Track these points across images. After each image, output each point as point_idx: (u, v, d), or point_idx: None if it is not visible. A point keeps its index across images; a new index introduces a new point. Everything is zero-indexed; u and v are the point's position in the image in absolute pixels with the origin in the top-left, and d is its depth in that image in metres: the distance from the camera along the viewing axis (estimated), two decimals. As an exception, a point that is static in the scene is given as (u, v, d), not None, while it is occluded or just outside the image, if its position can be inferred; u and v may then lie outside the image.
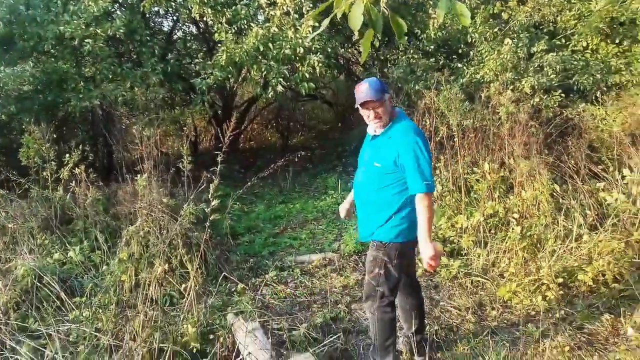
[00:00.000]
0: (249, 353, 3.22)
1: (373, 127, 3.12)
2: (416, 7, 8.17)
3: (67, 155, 5.69)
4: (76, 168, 5.52)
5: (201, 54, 8.11)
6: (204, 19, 7.64)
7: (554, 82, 6.02)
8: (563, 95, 5.96)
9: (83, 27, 6.69)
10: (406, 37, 7.25)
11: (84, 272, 4.69)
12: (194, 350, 3.34)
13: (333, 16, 1.95)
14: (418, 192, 2.88)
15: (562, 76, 6.15)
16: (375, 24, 1.83)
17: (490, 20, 7.17)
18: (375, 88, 2.96)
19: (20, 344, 3.49)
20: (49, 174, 5.52)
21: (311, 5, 7.00)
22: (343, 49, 9.22)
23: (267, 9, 7.22)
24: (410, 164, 2.89)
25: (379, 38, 8.90)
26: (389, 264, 3.05)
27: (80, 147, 6.15)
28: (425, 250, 2.89)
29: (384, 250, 3.07)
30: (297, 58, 7.11)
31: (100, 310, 3.87)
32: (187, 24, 10.11)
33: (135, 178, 5.22)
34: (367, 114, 3.05)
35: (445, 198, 5.61)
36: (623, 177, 4.81)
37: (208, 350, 3.38)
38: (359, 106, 3.04)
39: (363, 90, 2.99)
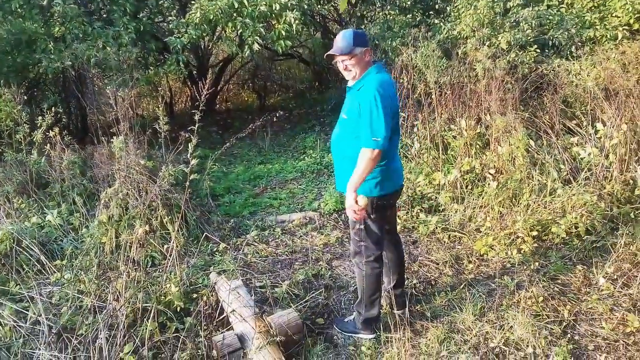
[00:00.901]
0: (233, 310, 3.28)
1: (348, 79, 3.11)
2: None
3: (40, 117, 5.57)
4: (50, 131, 5.41)
5: (174, 11, 7.91)
6: (176, -25, 7.42)
7: (529, 38, 6.03)
8: (538, 50, 5.99)
9: (51, -15, 6.45)
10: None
11: (63, 235, 4.67)
12: (178, 309, 3.39)
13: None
14: (363, 146, 2.86)
15: (538, 31, 6.15)
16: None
17: (468, -26, 7.10)
18: (347, 40, 2.93)
19: (2, 307, 3.49)
20: (22, 137, 5.41)
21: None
22: (320, 6, 9.06)
23: (241, -36, 7.02)
24: (364, 118, 2.87)
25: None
26: (367, 218, 3.09)
27: (53, 109, 6.02)
28: (347, 199, 2.95)
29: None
30: (273, 15, 6.98)
31: (82, 273, 3.88)
32: (158, -20, 9.80)
33: (111, 140, 5.15)
34: (339, 66, 3.05)
35: (423, 155, 5.67)
36: (596, 132, 4.91)
37: (192, 309, 3.43)
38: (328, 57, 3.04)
39: (336, 41, 2.99)
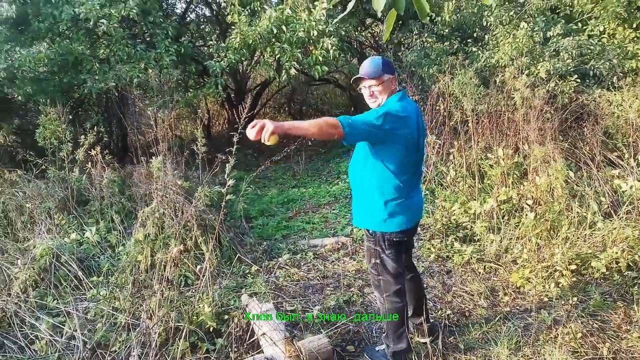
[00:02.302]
0: (263, 333, 3.27)
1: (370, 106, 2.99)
2: (431, -10, 8.10)
3: (83, 136, 5.75)
4: (92, 150, 5.58)
5: (214, 36, 8.13)
6: (218, 0, 7.62)
7: (569, 67, 5.96)
8: (579, 80, 5.90)
9: (97, 7, 6.70)
10: (428, 17, 7.19)
11: (101, 252, 4.77)
12: (210, 329, 3.40)
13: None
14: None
15: (578, 61, 6.08)
16: (398, 4, 1.83)
17: (506, 3, 7.09)
18: (376, 66, 2.85)
19: (39, 321, 3.56)
20: (65, 155, 5.60)
21: (325, -12, 6.96)
22: (357, 32, 9.17)
23: (281, -9, 7.20)
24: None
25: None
26: (382, 254, 3.01)
27: (95, 128, 6.22)
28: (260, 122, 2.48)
29: (374, 240, 3.02)
30: (311, 41, 7.09)
31: (117, 290, 3.94)
32: (200, 5, 10.11)
33: (150, 160, 5.27)
34: (364, 92, 2.94)
35: (458, 184, 5.61)
36: (638, 164, 4.78)
37: (223, 330, 3.44)
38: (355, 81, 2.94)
39: (364, 66, 2.91)
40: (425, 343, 3.32)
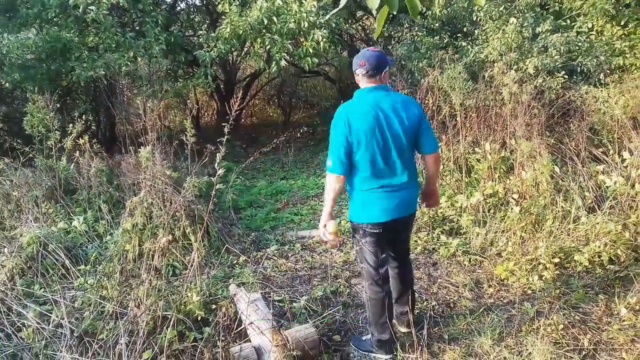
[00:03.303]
0: (251, 323, 3.30)
1: None
2: (422, -16, 8.12)
3: (71, 125, 5.71)
4: (80, 138, 5.55)
5: (204, 26, 8.08)
6: (208, -10, 7.59)
7: (557, 63, 6.01)
8: (566, 76, 5.96)
9: (87, -5, 6.65)
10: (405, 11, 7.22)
11: (88, 241, 4.76)
12: (198, 318, 3.42)
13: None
14: None
15: (566, 57, 6.13)
16: (391, 2, 1.85)
17: (496, -1, 7.13)
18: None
19: (26, 309, 3.56)
20: (52, 144, 5.56)
21: (317, -20, 6.96)
22: (347, 25, 9.17)
23: (272, -18, 7.17)
24: None
25: (384, 14, 8.81)
26: (360, 243, 3.12)
27: (84, 117, 6.17)
28: (320, 226, 3.07)
29: (353, 229, 3.18)
30: (302, 33, 7.09)
31: (105, 278, 3.94)
32: (190, -5, 10.05)
33: (138, 150, 5.26)
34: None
35: (446, 177, 5.66)
36: (623, 161, 4.85)
37: (210, 320, 3.46)
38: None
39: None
40: (409, 333, 3.36)
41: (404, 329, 3.49)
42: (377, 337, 3.26)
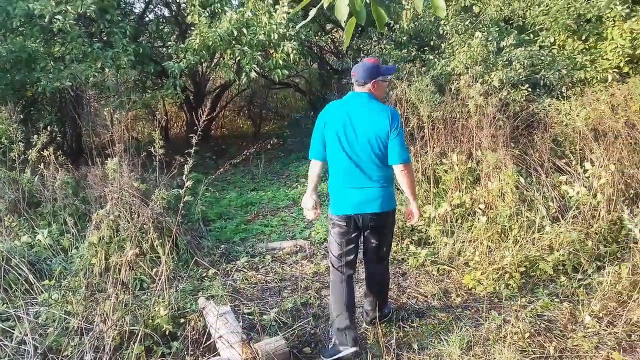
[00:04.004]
0: (220, 336, 3.27)
1: None
2: (390, -2, 8.25)
3: (35, 136, 5.60)
4: (44, 150, 5.44)
5: (173, 37, 8.03)
6: (177, 0, 7.55)
7: (521, 77, 6.17)
8: (530, 89, 6.12)
9: (53, 4, 6.54)
10: (387, 25, 7.32)
11: (53, 255, 4.66)
12: (166, 332, 3.38)
13: (308, 4, 2.00)
14: None
15: (530, 71, 6.31)
16: (359, 14, 1.88)
17: (462, 13, 7.29)
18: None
19: (-13, 326, 3.46)
20: (16, 155, 5.43)
21: (287, -9, 7.00)
22: (317, 37, 9.24)
23: (241, -6, 7.19)
24: None
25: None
26: (329, 230, 3.49)
27: (49, 128, 6.06)
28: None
29: (329, 219, 3.52)
30: (271, 44, 7.11)
31: (70, 293, 3.86)
32: (159, 5, 9.99)
33: (105, 161, 5.18)
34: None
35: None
36: (585, 171, 5.00)
37: (179, 334, 3.42)
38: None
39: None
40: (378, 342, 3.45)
41: (365, 325, 3.73)
42: (336, 324, 3.37)
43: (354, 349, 3.31)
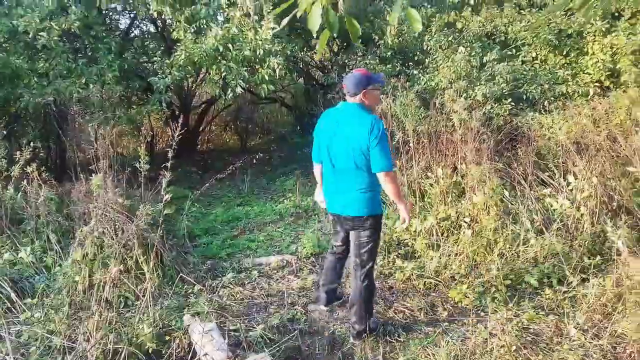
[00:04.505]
0: (205, 354, 3.24)
1: None
2: (374, 14, 8.33)
3: (18, 152, 5.54)
4: (28, 166, 5.39)
5: (159, 52, 8.03)
6: (163, 16, 7.57)
7: (504, 91, 6.26)
8: (513, 103, 6.20)
9: (37, 20, 6.52)
10: (360, 40, 7.39)
11: (36, 273, 4.59)
12: (150, 351, 3.34)
13: (292, 19, 2.03)
14: None
15: (512, 85, 6.39)
16: (332, 25, 1.91)
17: (445, 29, 7.40)
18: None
19: (-33, 347, 3.40)
20: (-1, 172, 5.37)
21: (271, 7, 7.05)
22: (303, 53, 9.30)
23: (227, 10, 7.21)
24: None
25: (338, 43, 9.02)
26: None
27: (32, 144, 6.00)
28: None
29: None
30: (257, 60, 7.14)
31: (53, 312, 3.81)
32: (144, 21, 10.00)
33: (90, 178, 5.14)
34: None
35: (400, 202, 5.73)
36: (568, 184, 5.05)
37: (164, 352, 3.38)
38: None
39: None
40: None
41: (352, 340, 3.79)
42: (316, 294, 4.24)
43: (324, 307, 4.19)
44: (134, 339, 3.39)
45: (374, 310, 3.88)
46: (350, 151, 3.44)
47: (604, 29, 6.51)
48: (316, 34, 1.99)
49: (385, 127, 3.49)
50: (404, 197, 3.70)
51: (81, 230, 4.52)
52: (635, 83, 6.18)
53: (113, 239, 4.48)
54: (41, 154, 7.80)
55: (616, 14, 6.78)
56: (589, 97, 6.37)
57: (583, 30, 6.72)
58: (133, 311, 3.98)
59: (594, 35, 6.63)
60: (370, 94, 3.50)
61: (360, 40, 7.34)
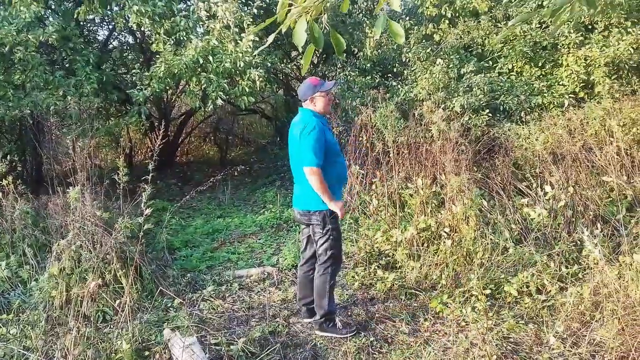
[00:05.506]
0: (186, 368, 3.20)
1: None
2: (353, 26, 8.41)
3: (-6, 165, 5.45)
4: (3, 179, 5.30)
5: (138, 64, 7.98)
6: (142, 29, 7.54)
7: (482, 102, 6.35)
8: (490, 114, 6.29)
9: (14, 33, 6.44)
10: (344, 54, 7.45)
11: (11, 288, 4.50)
12: (129, 366, 3.29)
13: (275, 31, 2.04)
14: None
15: (490, 97, 6.49)
16: (317, 40, 1.93)
17: (423, 41, 7.50)
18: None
19: (-60, 365, 3.31)
20: (-27, 186, 5.27)
21: (251, 19, 7.07)
22: (282, 64, 9.33)
23: (207, 22, 7.21)
24: None
25: (318, 55, 9.07)
26: None
27: (8, 157, 5.91)
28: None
29: None
30: (237, 72, 7.13)
31: (29, 328, 3.73)
32: (123, 33, 9.93)
33: (67, 190, 5.06)
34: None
35: (381, 212, 5.77)
36: (545, 194, 5.13)
37: (143, 367, 3.34)
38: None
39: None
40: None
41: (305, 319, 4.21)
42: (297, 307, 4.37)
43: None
44: (113, 354, 3.34)
45: (334, 303, 4.10)
46: (296, 150, 3.77)
47: (577, 41, 6.66)
48: (301, 48, 2.00)
49: (316, 126, 3.66)
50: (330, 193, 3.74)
51: (58, 244, 4.45)
52: (609, 94, 6.33)
53: (91, 253, 4.42)
54: (18, 167, 7.67)
55: (589, 27, 6.95)
56: (564, 108, 6.50)
57: (557, 42, 6.86)
58: (112, 326, 3.92)
59: (568, 48, 6.78)
60: (319, 100, 3.76)
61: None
